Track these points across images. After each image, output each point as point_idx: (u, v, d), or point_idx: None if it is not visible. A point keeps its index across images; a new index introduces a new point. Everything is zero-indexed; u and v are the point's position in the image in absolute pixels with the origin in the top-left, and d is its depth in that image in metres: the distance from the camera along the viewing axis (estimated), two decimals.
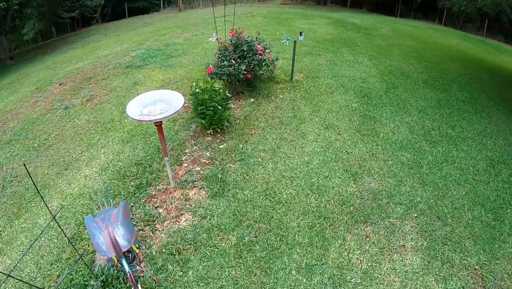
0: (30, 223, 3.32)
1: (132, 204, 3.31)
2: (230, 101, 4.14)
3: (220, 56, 4.76)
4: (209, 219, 3.07)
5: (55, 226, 3.27)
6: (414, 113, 5.00)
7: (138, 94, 5.70)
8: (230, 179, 3.47)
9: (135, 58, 7.26)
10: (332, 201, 3.24)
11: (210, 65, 4.58)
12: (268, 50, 4.80)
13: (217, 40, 5.00)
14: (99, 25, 19.51)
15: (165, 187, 3.45)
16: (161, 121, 2.81)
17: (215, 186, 3.38)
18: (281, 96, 5.11)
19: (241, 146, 3.95)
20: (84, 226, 3.08)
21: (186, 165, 3.71)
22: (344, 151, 3.94)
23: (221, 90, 3.92)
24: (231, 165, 3.67)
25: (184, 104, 2.91)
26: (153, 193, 3.42)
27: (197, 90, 3.77)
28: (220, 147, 3.94)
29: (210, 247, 2.83)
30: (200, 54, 7.25)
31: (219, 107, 3.78)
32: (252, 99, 4.95)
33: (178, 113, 3.13)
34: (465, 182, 3.66)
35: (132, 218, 3.22)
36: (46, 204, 2.41)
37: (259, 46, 4.68)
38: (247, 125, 4.34)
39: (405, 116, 4.87)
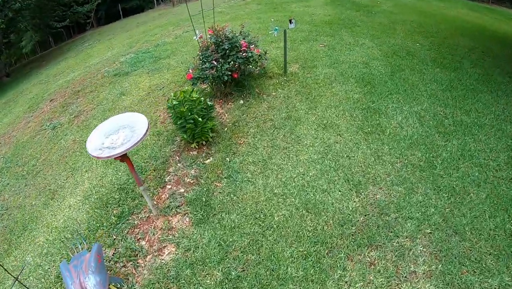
0: (20, 260, 3.13)
1: (115, 237, 3.03)
2: (212, 110, 3.71)
3: (200, 57, 4.30)
4: (193, 252, 2.74)
5: (42, 264, 3.07)
6: (423, 100, 4.39)
7: (123, 106, 5.40)
8: (216, 201, 3.11)
9: (124, 64, 6.89)
10: (331, 222, 2.81)
11: (190, 70, 4.14)
12: (254, 45, 4.28)
13: (201, 38, 4.53)
14: (94, 30, 19.12)
15: (147, 215, 3.14)
16: (124, 154, 2.46)
17: (200, 211, 3.02)
18: (274, 93, 4.62)
19: (228, 159, 3.55)
20: None
21: (169, 186, 3.37)
22: (345, 156, 3.46)
23: (201, 99, 3.49)
24: (217, 184, 3.29)
25: (147, 130, 2.52)
26: (136, 222, 3.12)
27: (174, 102, 3.36)
28: (206, 162, 3.56)
29: (194, 285, 2.50)
30: (190, 52, 6.78)
31: (200, 119, 3.37)
32: (242, 101, 4.50)
33: (144, 139, 2.75)
34: (485, 181, 3.12)
35: (114, 254, 2.96)
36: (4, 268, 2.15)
37: (243, 41, 4.17)
38: (236, 133, 3.92)
39: (414, 104, 4.28)
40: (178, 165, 3.56)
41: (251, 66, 4.19)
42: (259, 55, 4.31)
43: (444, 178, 3.16)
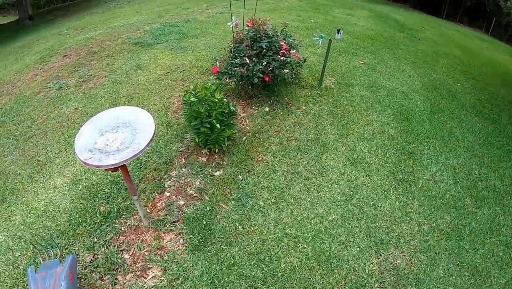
0: None
1: (96, 240, 2.58)
2: (234, 117, 3.18)
3: (232, 50, 3.75)
4: (181, 283, 2.29)
5: (13, 248, 2.65)
6: (460, 152, 3.82)
7: (137, 81, 4.88)
8: (218, 227, 2.64)
9: (147, 34, 6.31)
10: (342, 282, 2.33)
11: (217, 62, 3.59)
12: (295, 50, 3.72)
13: (236, 27, 3.96)
14: None
15: (136, 224, 2.69)
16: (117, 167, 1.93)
17: (197, 235, 2.56)
18: (304, 107, 4.08)
19: (241, 177, 3.06)
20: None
21: (168, 194, 2.90)
22: (371, 204, 2.96)
23: (223, 101, 2.98)
24: (223, 205, 2.82)
25: (152, 138, 2.00)
26: (122, 228, 2.67)
27: (192, 99, 2.85)
28: (215, 174, 3.08)
29: None
30: (220, 37, 6.19)
31: (218, 125, 2.87)
32: (267, 108, 3.97)
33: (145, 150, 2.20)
34: (508, 264, 2.62)
35: (92, 261, 2.51)
36: None
37: (283, 43, 3.61)
38: (255, 146, 3.40)
39: (450, 156, 3.73)
40: (183, 169, 3.08)
41: (285, 72, 3.65)
42: (298, 62, 3.75)
43: (469, 253, 2.66)
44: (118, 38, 6.25)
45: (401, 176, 3.29)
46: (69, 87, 4.59)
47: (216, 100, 2.81)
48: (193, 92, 2.98)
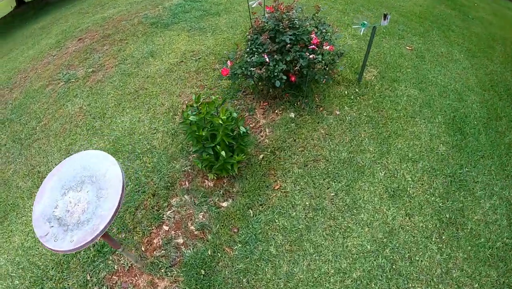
0: None
1: (89, 277, 2.28)
2: (247, 139, 2.51)
3: (249, 44, 2.99)
4: None
5: (13, 274, 2.46)
6: None
7: (147, 73, 4.30)
8: (219, 279, 2.16)
9: (166, 12, 5.58)
10: None
11: (228, 62, 2.88)
12: (330, 39, 2.84)
13: (260, 5, 3.15)
14: None
15: (130, 264, 2.32)
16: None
17: (194, 287, 2.13)
18: (337, 112, 3.28)
19: (251, 211, 2.50)
20: None
21: (166, 228, 2.46)
22: (407, 256, 2.24)
23: (232, 120, 2.33)
24: (228, 249, 2.32)
25: (118, 208, 1.47)
26: (115, 267, 2.31)
27: (191, 118, 2.24)
28: (222, 204, 2.55)
29: None
30: (245, 14, 5.29)
31: (223, 153, 2.27)
32: (293, 114, 3.24)
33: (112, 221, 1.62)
34: None
35: None
36: None
37: (314, 35, 2.77)
38: (273, 167, 2.74)
39: (507, 184, 2.77)
40: (185, 197, 2.60)
41: (316, 70, 2.85)
42: (333, 59, 2.89)
43: None
44: (135, 17, 5.62)
45: (448, 216, 2.50)
46: (77, 79, 4.18)
47: (221, 122, 2.19)
48: (194, 107, 2.37)
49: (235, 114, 2.36)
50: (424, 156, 2.91)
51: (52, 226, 1.43)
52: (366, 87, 3.57)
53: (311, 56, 2.62)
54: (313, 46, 2.66)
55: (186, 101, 3.56)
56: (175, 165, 2.80)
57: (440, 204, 2.58)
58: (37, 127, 3.58)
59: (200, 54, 4.29)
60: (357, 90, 3.51)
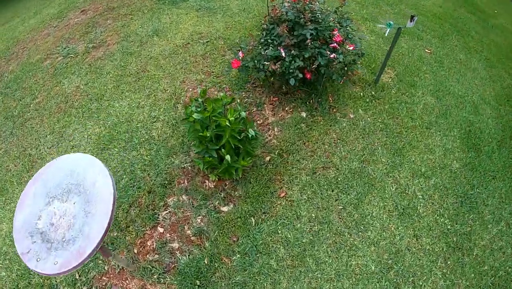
0: None
1: (78, 276, 2.12)
2: (256, 143, 2.28)
3: (263, 34, 2.68)
4: None
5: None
6: None
7: (149, 54, 3.95)
8: None
9: None
10: None
11: (240, 52, 2.59)
12: (353, 38, 2.54)
13: None
14: None
15: (121, 266, 2.16)
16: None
17: None
18: (351, 115, 3.02)
19: (253, 220, 2.31)
20: None
21: (161, 230, 2.28)
22: (410, 280, 2.06)
23: (241, 119, 2.10)
24: (226, 259, 2.15)
25: (106, 230, 1.27)
26: (106, 268, 2.15)
27: (195, 115, 2.00)
28: (222, 209, 2.36)
29: None
30: None
31: (228, 157, 2.05)
32: (304, 113, 2.98)
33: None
34: None
35: None
36: None
37: (336, 32, 2.47)
38: (280, 172, 2.51)
39: None
40: (183, 197, 2.40)
41: (334, 72, 2.57)
42: (353, 60, 2.61)
43: None
44: None
45: (455, 240, 2.32)
46: (76, 55, 3.86)
47: (228, 124, 1.95)
48: (198, 98, 2.11)
49: (243, 114, 2.12)
50: (437, 172, 2.71)
51: (35, 242, 1.23)
52: (382, 90, 3.31)
53: (332, 55, 2.35)
54: (335, 44, 2.38)
55: (190, 89, 3.29)
56: (174, 160, 2.58)
57: (449, 227, 2.41)
58: (31, 105, 3.31)
59: (208, 37, 3.95)
60: (373, 93, 3.24)
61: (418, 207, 2.45)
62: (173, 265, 2.08)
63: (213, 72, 3.46)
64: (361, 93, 3.21)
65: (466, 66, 4.13)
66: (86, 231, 1.23)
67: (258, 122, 2.90)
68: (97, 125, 2.93)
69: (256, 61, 2.54)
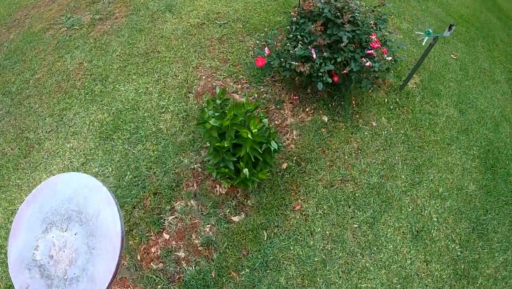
0: None
1: None
2: (274, 154, 2.01)
3: (292, 29, 2.37)
4: None
5: None
6: None
7: (159, 32, 3.57)
8: None
9: None
10: None
11: (266, 49, 2.28)
12: (391, 46, 2.24)
13: None
14: None
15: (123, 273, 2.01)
16: None
17: None
18: (374, 123, 2.76)
19: (265, 233, 2.14)
20: None
21: (167, 237, 2.11)
22: None
23: (263, 133, 1.85)
24: (234, 274, 2.00)
25: (118, 268, 1.06)
26: None
27: (212, 121, 1.75)
28: (233, 219, 2.18)
29: None
30: None
31: (245, 171, 1.84)
32: (326, 117, 2.72)
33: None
34: None
35: None
36: None
37: (374, 37, 2.17)
38: (296, 182, 2.28)
39: None
40: (192, 202, 2.21)
41: (365, 82, 2.29)
42: (387, 68, 2.32)
43: None
44: None
45: (463, 267, 2.20)
46: (81, 27, 3.45)
47: (249, 137, 1.71)
48: (216, 100, 1.85)
49: (266, 122, 1.88)
50: (453, 193, 2.54)
51: (33, 277, 1.04)
52: (407, 97, 3.05)
53: (367, 63, 2.07)
54: (371, 51, 2.09)
55: (204, 77, 2.99)
56: (183, 159, 2.36)
57: (459, 253, 2.28)
58: (31, 81, 2.98)
59: (226, 18, 3.56)
60: (397, 99, 2.99)
61: (432, 231, 2.31)
62: (178, 276, 1.94)
63: (229, 59, 3.14)
64: (386, 99, 2.95)
65: (489, 78, 3.86)
66: (90, 270, 1.04)
67: (276, 122, 2.65)
68: (101, 111, 2.65)
69: (282, 59, 2.25)
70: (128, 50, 3.16)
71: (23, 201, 2.23)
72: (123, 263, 1.96)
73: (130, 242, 2.03)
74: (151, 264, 1.96)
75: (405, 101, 3.00)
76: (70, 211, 1.18)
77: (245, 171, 1.78)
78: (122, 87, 2.83)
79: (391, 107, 2.91)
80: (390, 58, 2.11)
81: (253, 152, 1.80)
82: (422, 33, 2.35)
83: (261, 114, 1.89)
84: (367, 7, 2.30)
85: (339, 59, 2.12)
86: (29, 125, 2.63)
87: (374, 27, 2.22)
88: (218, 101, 1.87)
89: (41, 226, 1.14)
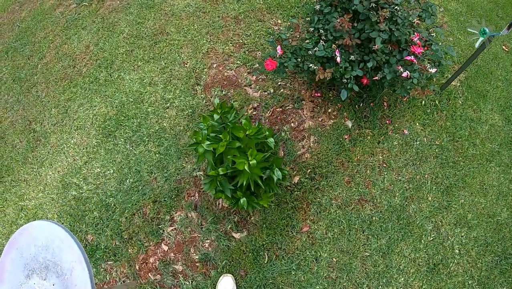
0: None
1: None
2: (283, 181, 1.69)
3: (315, 20, 1.88)
4: None
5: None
6: None
7: (174, 7, 3.11)
8: None
9: None
10: None
11: (278, 49, 1.83)
12: (436, 50, 1.71)
13: None
14: None
15: (122, 279, 1.95)
16: None
17: None
18: (405, 131, 2.28)
19: (267, 256, 1.92)
20: None
21: (166, 248, 1.97)
22: None
23: (266, 159, 1.53)
24: None
25: None
26: (107, 277, 1.94)
27: (205, 145, 1.44)
28: (235, 236, 1.98)
29: None
30: None
31: (243, 202, 1.56)
32: (350, 123, 2.30)
33: None
34: None
35: None
36: None
37: (417, 38, 1.64)
38: (307, 199, 1.98)
39: None
40: (192, 214, 2.02)
41: (399, 83, 1.82)
42: (429, 78, 1.79)
43: None
44: None
45: None
46: (90, 3, 3.05)
47: (246, 169, 1.41)
48: (214, 114, 1.55)
49: (271, 142, 1.56)
50: (482, 221, 2.13)
51: None
52: (448, 99, 2.50)
53: (404, 73, 1.60)
54: (412, 57, 1.60)
55: (215, 65, 2.61)
56: (186, 165, 2.14)
57: None
58: (39, 66, 2.76)
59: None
60: (436, 101, 2.45)
61: (451, 264, 1.99)
62: (173, 288, 1.85)
63: (245, 43, 2.70)
64: (423, 101, 2.43)
65: None
66: None
67: (292, 125, 2.29)
68: (104, 103, 2.43)
69: (298, 59, 1.83)
70: (136, 31, 2.80)
71: (31, 197, 2.19)
72: (122, 271, 1.90)
73: (129, 250, 1.94)
74: (149, 274, 1.88)
75: (445, 105, 2.46)
76: (47, 260, 1.08)
77: (243, 200, 1.53)
78: (127, 76, 2.55)
79: (428, 111, 2.41)
80: (434, 70, 1.61)
81: (255, 178, 1.52)
82: (476, 32, 1.76)
83: (267, 133, 1.57)
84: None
85: (369, 64, 1.66)
86: (36, 117, 2.49)
87: (418, 25, 1.68)
88: (216, 116, 1.56)
89: (24, 272, 1.08)
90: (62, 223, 2.04)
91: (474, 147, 2.35)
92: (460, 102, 2.52)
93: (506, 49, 3.11)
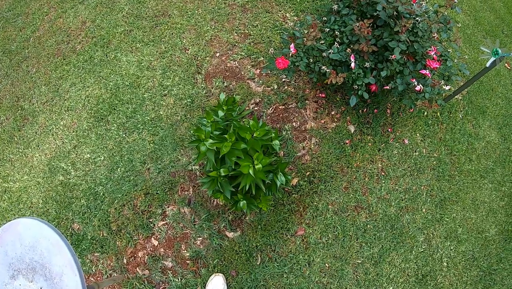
0: None
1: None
2: (282, 187, 1.63)
3: (331, 20, 1.79)
4: None
5: None
6: None
7: None
8: None
9: None
10: None
11: (291, 46, 1.74)
12: (450, 66, 1.67)
13: None
14: None
15: (109, 272, 1.87)
16: None
17: None
18: (406, 140, 2.27)
19: (259, 258, 1.89)
20: None
21: (156, 243, 1.91)
22: None
23: (271, 164, 1.47)
24: None
25: None
26: (93, 269, 1.86)
27: (208, 144, 1.37)
28: (228, 235, 1.94)
29: None
30: None
31: (243, 204, 1.50)
32: (353, 128, 2.26)
33: None
34: None
35: None
36: None
37: (433, 53, 1.59)
38: (304, 203, 1.94)
39: None
40: (185, 209, 1.96)
41: (408, 101, 1.77)
42: (438, 92, 1.76)
43: None
44: None
45: None
46: None
47: (250, 173, 1.35)
48: (218, 111, 1.47)
49: (277, 145, 1.50)
50: (471, 237, 2.18)
51: None
52: (449, 111, 2.50)
53: (417, 87, 1.56)
54: (427, 71, 1.56)
55: (218, 54, 2.49)
56: (181, 157, 2.05)
57: None
58: (31, 39, 2.55)
59: None
60: (438, 114, 2.45)
61: (438, 277, 2.03)
62: (163, 286, 1.80)
63: (250, 34, 2.58)
64: (424, 112, 2.42)
65: None
66: None
67: (294, 124, 2.24)
68: (98, 84, 2.28)
69: (310, 60, 1.75)
70: (136, 10, 2.63)
71: (15, 179, 2.06)
72: (109, 263, 1.83)
73: (117, 243, 1.86)
74: (137, 269, 1.82)
75: (446, 118, 2.46)
76: (34, 262, 1.00)
77: (242, 203, 1.48)
78: (124, 58, 2.40)
79: (430, 122, 2.40)
80: (448, 87, 1.57)
81: (258, 182, 1.47)
82: (488, 51, 1.73)
83: (273, 135, 1.50)
84: (430, 8, 1.67)
85: (383, 74, 1.60)
86: (25, 93, 2.31)
87: (436, 39, 1.63)
88: (221, 113, 1.47)
89: (8, 272, 1.00)
90: (47, 209, 1.94)
91: (470, 162, 2.38)
92: (460, 116, 2.52)
93: (509, 67, 3.13)
